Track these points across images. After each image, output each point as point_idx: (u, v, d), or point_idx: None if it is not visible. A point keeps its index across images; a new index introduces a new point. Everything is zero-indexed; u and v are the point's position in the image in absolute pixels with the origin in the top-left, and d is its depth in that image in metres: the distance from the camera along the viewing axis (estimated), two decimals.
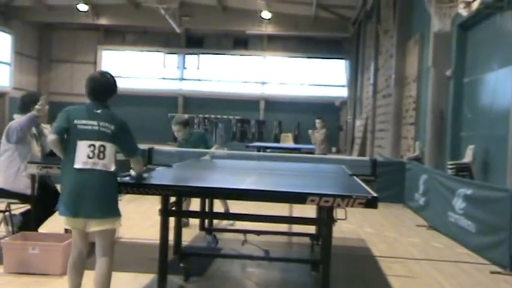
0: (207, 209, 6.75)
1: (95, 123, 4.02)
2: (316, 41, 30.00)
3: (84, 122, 4.02)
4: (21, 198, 5.91)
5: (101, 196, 3.96)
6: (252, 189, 4.45)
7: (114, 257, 4.16)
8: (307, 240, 6.85)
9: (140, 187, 4.22)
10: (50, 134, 4.30)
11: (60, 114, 4.11)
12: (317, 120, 13.84)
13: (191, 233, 7.13)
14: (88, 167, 3.94)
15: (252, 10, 26.35)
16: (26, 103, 6.03)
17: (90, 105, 4.14)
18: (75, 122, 4.02)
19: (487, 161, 9.72)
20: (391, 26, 17.44)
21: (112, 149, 4.03)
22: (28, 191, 5.78)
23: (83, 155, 3.96)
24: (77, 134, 4.00)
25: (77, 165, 3.95)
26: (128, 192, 4.24)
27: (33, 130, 5.96)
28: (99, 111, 4.07)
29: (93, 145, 3.97)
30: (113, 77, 4.28)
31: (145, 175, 4.49)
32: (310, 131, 14.00)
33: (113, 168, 4.01)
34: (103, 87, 4.19)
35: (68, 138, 4.03)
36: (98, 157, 3.96)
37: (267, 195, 4.33)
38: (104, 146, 3.98)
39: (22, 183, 5.82)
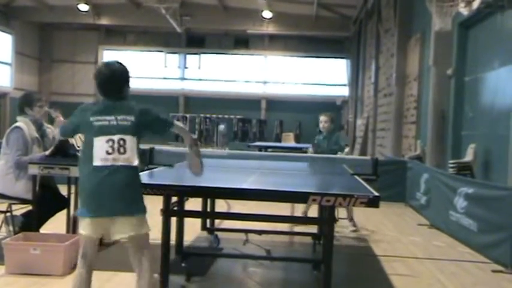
0: (208, 209, 6.77)
1: (112, 117, 3.73)
2: (317, 40, 30.00)
3: (100, 117, 3.74)
4: (22, 201, 5.91)
5: (125, 192, 3.67)
6: (253, 189, 4.45)
7: (152, 258, 3.82)
8: (308, 239, 6.84)
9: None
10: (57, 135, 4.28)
11: (73, 112, 3.91)
12: None
13: (193, 233, 7.13)
14: (108, 163, 3.65)
15: (253, 9, 26.34)
16: (21, 105, 6.02)
17: (104, 101, 3.85)
18: (91, 118, 3.75)
19: (488, 160, 9.71)
20: (392, 25, 17.43)
21: (133, 141, 3.72)
22: (28, 195, 5.72)
23: (101, 152, 3.66)
24: (93, 131, 3.72)
25: (95, 163, 3.66)
26: None
27: (36, 134, 5.94)
28: (114, 104, 3.80)
29: (112, 140, 3.67)
30: (120, 65, 3.92)
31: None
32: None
33: (136, 162, 3.72)
34: (109, 80, 3.84)
35: (85, 137, 3.81)
36: (119, 152, 3.67)
37: (269, 195, 4.33)
38: (123, 140, 3.69)
39: (22, 188, 5.77)
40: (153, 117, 3.92)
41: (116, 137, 3.69)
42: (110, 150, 3.67)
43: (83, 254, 3.75)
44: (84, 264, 3.75)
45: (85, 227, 3.71)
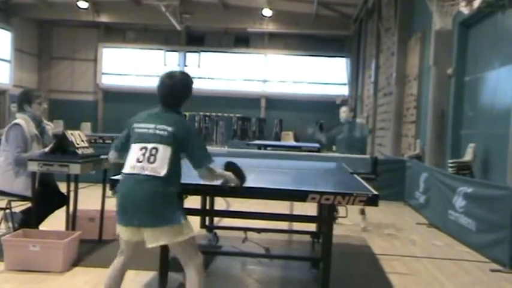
0: (207, 207, 6.76)
1: (152, 125, 3.66)
2: (317, 39, 29.99)
3: (142, 125, 3.69)
4: (21, 198, 5.90)
5: (152, 203, 3.53)
6: (253, 187, 4.45)
7: (199, 263, 3.76)
8: (307, 237, 6.85)
9: None
10: (110, 152, 3.98)
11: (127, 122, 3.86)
12: None
13: None
14: (135, 171, 3.56)
15: (253, 8, 26.34)
16: (20, 102, 6.01)
17: (156, 109, 3.81)
18: (134, 125, 3.74)
19: (487, 160, 9.72)
20: (393, 24, 17.43)
21: (166, 151, 3.58)
22: (28, 192, 5.71)
23: (133, 159, 3.61)
24: (133, 137, 3.69)
25: (125, 170, 3.62)
26: None
27: (35, 130, 5.94)
28: (160, 114, 3.74)
29: (145, 147, 3.60)
30: (183, 77, 3.87)
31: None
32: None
33: (163, 172, 3.54)
34: (167, 91, 3.77)
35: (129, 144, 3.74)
36: (148, 161, 3.56)
37: (268, 193, 4.33)
38: (156, 149, 3.58)
39: (21, 185, 5.76)
40: (194, 141, 3.73)
41: (150, 145, 3.60)
42: (141, 158, 3.58)
43: (121, 251, 3.81)
44: (121, 258, 3.80)
45: (121, 233, 3.73)
